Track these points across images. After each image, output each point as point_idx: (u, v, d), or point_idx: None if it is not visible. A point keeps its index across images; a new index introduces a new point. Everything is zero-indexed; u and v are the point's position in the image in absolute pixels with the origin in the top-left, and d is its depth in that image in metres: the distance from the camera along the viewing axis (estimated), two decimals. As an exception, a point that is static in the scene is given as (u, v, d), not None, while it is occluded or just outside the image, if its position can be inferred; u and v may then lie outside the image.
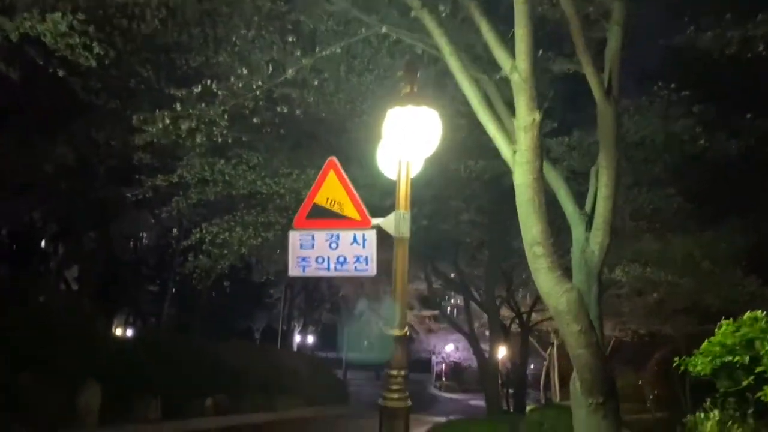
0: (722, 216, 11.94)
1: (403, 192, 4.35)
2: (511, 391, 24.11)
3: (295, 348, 39.77)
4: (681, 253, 11.17)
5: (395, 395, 4.00)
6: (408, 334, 4.25)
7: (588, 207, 5.69)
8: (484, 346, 32.97)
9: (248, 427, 17.97)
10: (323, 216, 4.40)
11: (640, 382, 21.34)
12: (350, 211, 4.35)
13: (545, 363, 29.20)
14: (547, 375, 29.47)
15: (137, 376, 15.16)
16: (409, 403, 4.07)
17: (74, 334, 14.03)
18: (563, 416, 8.13)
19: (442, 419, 27.59)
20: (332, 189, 4.43)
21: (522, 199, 4.81)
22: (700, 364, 4.10)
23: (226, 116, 7.75)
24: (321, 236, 4.35)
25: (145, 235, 33.15)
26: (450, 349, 50.01)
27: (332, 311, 42.93)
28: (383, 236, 4.45)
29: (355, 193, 4.38)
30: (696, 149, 9.94)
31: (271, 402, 22.78)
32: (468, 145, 10.55)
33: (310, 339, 44.99)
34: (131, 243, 32.37)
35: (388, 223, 4.33)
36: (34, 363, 12.45)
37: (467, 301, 16.91)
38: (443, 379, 52.01)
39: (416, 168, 4.62)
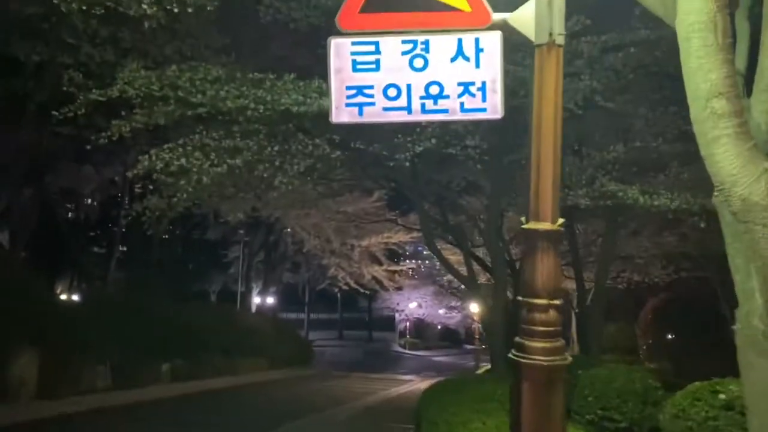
0: None
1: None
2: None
3: (254, 310, 37.79)
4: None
5: (544, 343, 2.17)
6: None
7: (740, 63, 3.87)
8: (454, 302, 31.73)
9: (208, 393, 16.21)
10: (395, 7, 2.38)
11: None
12: (451, -7, 2.35)
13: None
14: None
15: (83, 341, 13.22)
16: (569, 358, 2.26)
17: (4, 296, 11.86)
18: (622, 373, 6.39)
19: (413, 377, 26.46)
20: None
21: (692, 23, 2.95)
22: None
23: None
24: (392, 45, 2.37)
25: (87, 191, 30.31)
26: (413, 306, 48.96)
27: (293, 270, 40.90)
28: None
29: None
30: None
31: (233, 366, 21.05)
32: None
33: (271, 300, 42.93)
34: (72, 200, 29.64)
35: (522, 17, 2.39)
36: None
37: (466, 248, 15.06)
38: (407, 336, 50.97)
39: None
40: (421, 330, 54.61)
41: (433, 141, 8.47)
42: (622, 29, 9.11)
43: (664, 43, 9.26)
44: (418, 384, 20.75)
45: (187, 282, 36.18)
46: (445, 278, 38.18)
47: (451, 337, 57.42)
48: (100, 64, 11.47)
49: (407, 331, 51.57)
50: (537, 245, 2.41)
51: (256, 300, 39.61)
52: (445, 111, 2.45)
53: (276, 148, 8.65)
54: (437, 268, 46.39)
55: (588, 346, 13.43)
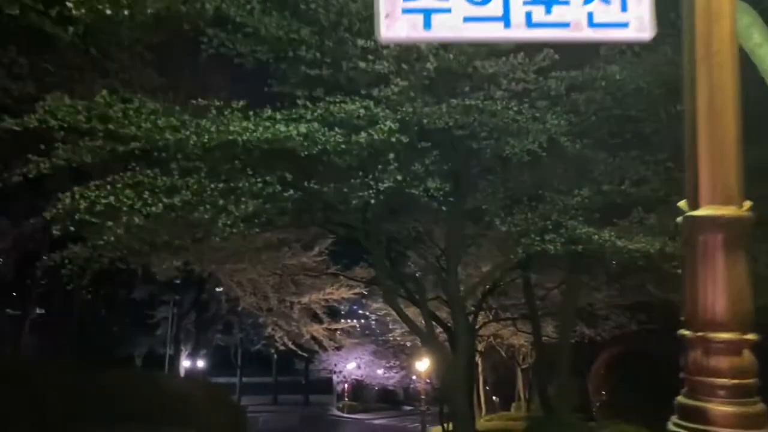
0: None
1: None
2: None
3: (183, 374, 35.49)
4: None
5: (737, 407, 1.37)
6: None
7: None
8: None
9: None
10: None
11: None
12: None
13: (470, 373, 27.02)
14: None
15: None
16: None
17: None
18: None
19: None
20: None
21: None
22: None
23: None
24: None
25: (2, 247, 27.96)
26: (352, 366, 47.45)
27: (226, 331, 38.88)
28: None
29: None
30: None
31: (161, 435, 19.14)
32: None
33: (201, 363, 40.56)
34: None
35: None
36: None
37: (424, 300, 14.02)
38: (345, 399, 49.06)
39: None
40: (359, 392, 52.88)
41: (399, 178, 7.76)
42: (589, 67, 8.80)
43: (630, 81, 9.01)
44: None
45: (110, 345, 33.87)
46: (383, 337, 37.16)
47: (389, 399, 55.84)
48: (17, 98, 10.34)
49: (345, 394, 49.70)
50: (716, 243, 1.62)
51: (186, 363, 37.40)
52: (565, 25, 1.66)
53: (220, 186, 7.74)
54: (373, 326, 45.37)
55: (549, 405, 12.74)
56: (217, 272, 22.29)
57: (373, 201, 7.76)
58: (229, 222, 7.72)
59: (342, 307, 32.74)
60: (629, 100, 9.55)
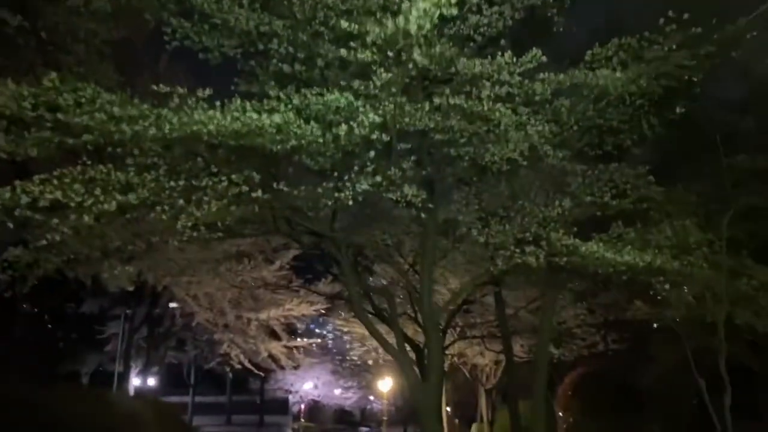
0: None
1: None
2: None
3: (133, 393, 33.97)
4: (676, 240, 9.01)
5: None
6: None
7: None
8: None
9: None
10: None
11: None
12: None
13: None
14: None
15: None
16: None
17: None
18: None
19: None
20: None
21: None
22: None
23: None
24: None
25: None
26: (308, 386, 46.48)
27: (178, 347, 37.45)
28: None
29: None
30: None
31: (107, 458, 18.01)
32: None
33: (152, 381, 38.97)
34: None
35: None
36: None
37: (395, 315, 13.21)
38: (301, 420, 47.86)
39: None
40: (315, 412, 51.75)
41: (378, 179, 7.21)
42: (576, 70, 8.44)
43: (614, 88, 8.69)
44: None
45: (55, 362, 32.28)
46: (341, 356, 36.38)
47: (346, 419, 54.89)
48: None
49: (301, 414, 48.50)
50: None
51: (136, 381, 35.89)
52: None
53: (181, 183, 7.07)
54: (330, 345, 44.40)
55: (519, 425, 12.27)
56: (172, 285, 21.32)
57: (350, 203, 7.19)
58: (188, 224, 7.06)
59: (299, 326, 31.88)
60: (611, 110, 9.27)
